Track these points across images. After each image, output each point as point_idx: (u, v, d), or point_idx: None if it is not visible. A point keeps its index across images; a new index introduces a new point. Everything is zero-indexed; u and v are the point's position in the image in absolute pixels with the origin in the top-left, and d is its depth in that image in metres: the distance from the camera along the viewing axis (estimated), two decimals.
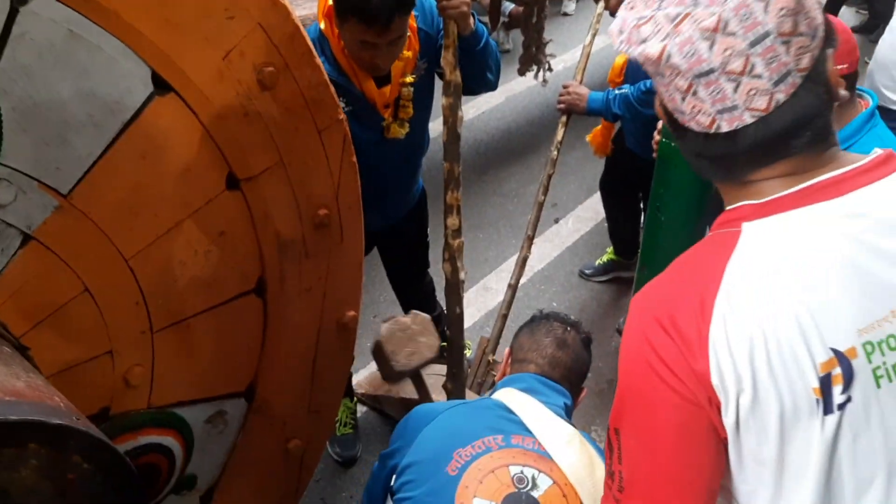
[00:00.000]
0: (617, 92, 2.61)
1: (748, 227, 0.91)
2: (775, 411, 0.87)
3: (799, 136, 0.88)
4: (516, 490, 1.42)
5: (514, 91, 5.32)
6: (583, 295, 3.54)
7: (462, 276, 2.20)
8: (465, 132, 4.84)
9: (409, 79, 2.08)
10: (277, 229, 1.59)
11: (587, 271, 3.62)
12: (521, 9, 3.77)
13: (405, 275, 2.82)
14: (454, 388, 2.35)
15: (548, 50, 4.17)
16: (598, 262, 3.64)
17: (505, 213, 4.08)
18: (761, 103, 0.85)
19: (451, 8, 1.92)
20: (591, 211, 4.13)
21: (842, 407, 0.88)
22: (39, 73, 1.15)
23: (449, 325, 2.28)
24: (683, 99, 0.88)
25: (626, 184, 3.22)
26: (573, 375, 1.68)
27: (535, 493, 1.42)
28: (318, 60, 1.51)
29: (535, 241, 2.76)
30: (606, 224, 3.58)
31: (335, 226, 1.70)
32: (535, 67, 4.12)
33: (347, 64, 2.00)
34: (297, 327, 1.74)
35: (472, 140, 4.63)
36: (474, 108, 5.06)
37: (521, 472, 1.44)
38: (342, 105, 1.74)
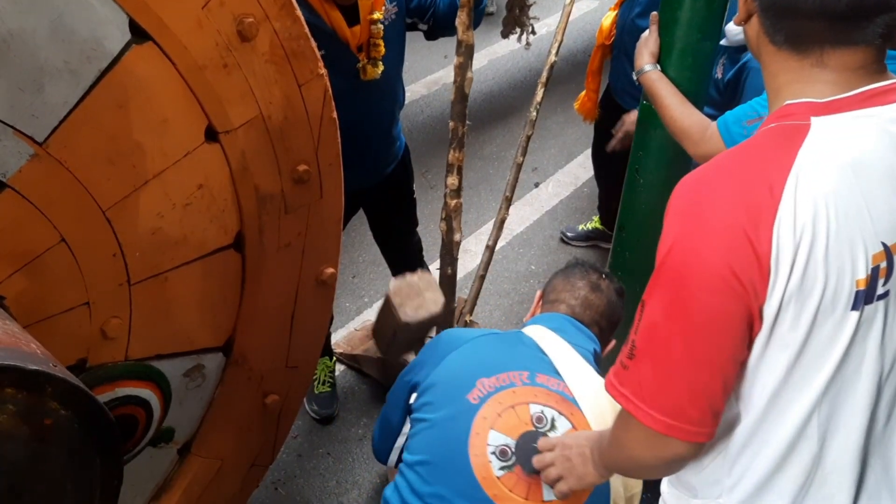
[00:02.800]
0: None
1: (817, 122, 0.94)
2: (817, 296, 0.93)
3: (875, 21, 0.91)
4: (534, 429, 1.41)
5: (496, 54, 5.28)
6: (561, 259, 3.57)
7: (457, 237, 2.21)
8: (446, 95, 4.83)
9: (378, 15, 2.08)
10: (256, 184, 1.59)
11: (569, 234, 3.65)
12: None
13: (393, 233, 2.82)
14: None
15: (531, 13, 4.15)
16: (581, 227, 3.66)
17: (485, 176, 4.08)
18: None
19: None
20: (570, 176, 4.15)
21: (881, 297, 0.95)
22: (13, 17, 1.12)
23: (440, 284, 2.29)
24: None
25: (617, 152, 3.22)
26: (604, 321, 1.65)
27: (553, 434, 1.42)
28: (299, 12, 1.49)
29: (515, 204, 2.78)
30: (592, 191, 3.59)
31: (315, 182, 1.70)
32: (518, 30, 4.10)
33: (319, 3, 2.01)
34: (275, 283, 1.74)
35: None
36: None
37: (542, 412, 1.43)
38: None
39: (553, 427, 1.43)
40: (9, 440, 1.01)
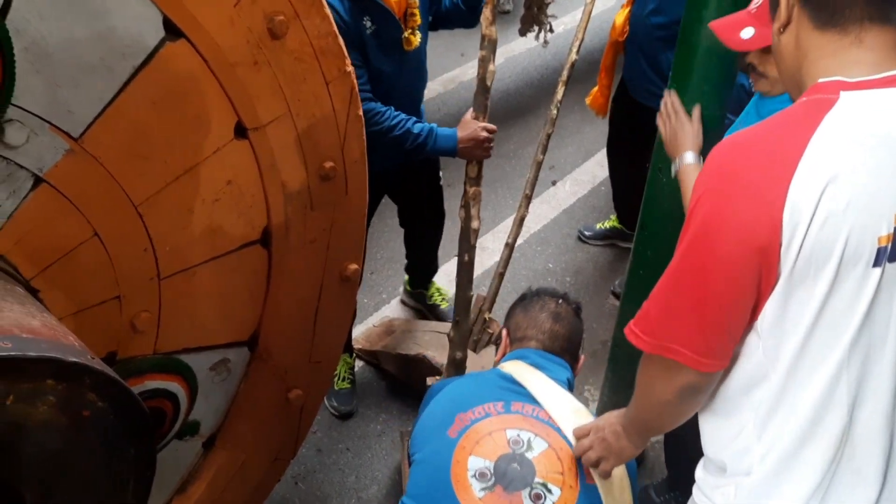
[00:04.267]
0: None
1: (846, 95, 0.99)
2: (839, 250, 0.97)
3: None
4: (511, 451, 1.48)
5: (513, 52, 5.28)
6: (579, 257, 3.57)
7: (475, 224, 2.23)
8: (463, 92, 4.84)
9: None
10: (284, 180, 1.60)
11: (587, 232, 3.65)
12: None
13: (418, 221, 2.84)
14: (457, 337, 2.38)
15: (549, 11, 4.15)
16: (599, 225, 3.66)
17: (503, 173, 4.09)
18: None
19: None
20: (588, 174, 4.15)
21: None
22: (53, 14, 1.14)
23: (457, 271, 2.31)
24: None
25: (632, 142, 3.20)
26: (571, 345, 1.75)
27: (529, 455, 1.48)
28: (328, 10, 1.50)
29: (533, 202, 2.78)
30: (610, 190, 3.59)
31: (340, 178, 1.71)
32: (535, 28, 4.10)
33: None
34: (300, 278, 1.76)
35: (470, 101, 4.61)
36: (473, 69, 5.02)
37: (518, 436, 1.50)
38: (366, 25, 2.09)
39: (529, 447, 1.50)
40: (48, 430, 1.03)
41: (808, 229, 0.96)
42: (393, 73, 2.26)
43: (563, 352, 1.72)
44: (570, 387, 1.68)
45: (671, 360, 1.11)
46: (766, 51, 1.56)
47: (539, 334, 1.72)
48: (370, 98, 2.18)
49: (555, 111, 2.59)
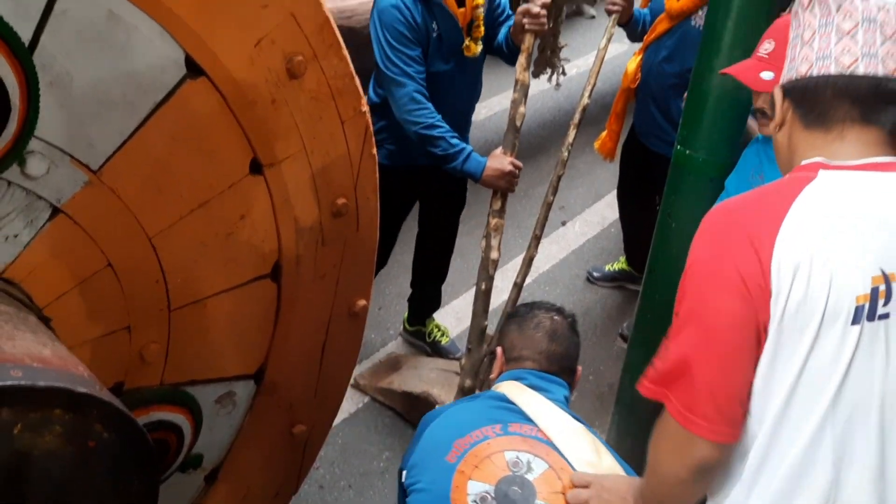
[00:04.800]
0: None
1: (824, 173, 1.10)
2: (819, 309, 1.03)
3: (889, 109, 1.09)
4: (511, 473, 1.45)
5: None
6: (587, 298, 3.57)
7: (494, 255, 2.27)
8: (476, 131, 4.88)
9: (480, 0, 2.42)
10: (296, 215, 1.62)
11: (595, 274, 3.65)
12: None
13: (436, 229, 2.95)
14: (469, 365, 2.40)
15: (563, 54, 4.22)
16: (608, 267, 3.66)
17: (513, 212, 4.08)
18: (892, 65, 1.07)
19: (532, 24, 2.30)
20: (598, 216, 4.16)
21: (882, 318, 1.04)
22: (78, 52, 1.17)
23: (474, 300, 2.41)
24: (839, 39, 1.08)
25: (642, 187, 3.23)
26: (568, 362, 1.72)
27: (530, 476, 1.46)
28: (345, 52, 1.54)
29: (542, 242, 2.79)
30: (619, 231, 3.60)
31: (352, 215, 1.73)
32: (549, 70, 4.17)
33: None
34: (309, 313, 1.77)
35: (483, 140, 4.66)
36: (486, 109, 5.09)
37: (517, 457, 1.48)
38: (433, 29, 2.31)
39: (529, 469, 1.48)
40: (55, 460, 1.03)
41: (791, 286, 1.03)
42: (450, 77, 2.44)
43: (561, 371, 1.70)
44: (567, 402, 1.67)
45: (684, 432, 1.11)
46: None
47: (535, 355, 1.69)
48: (424, 95, 2.31)
49: (566, 153, 2.61)
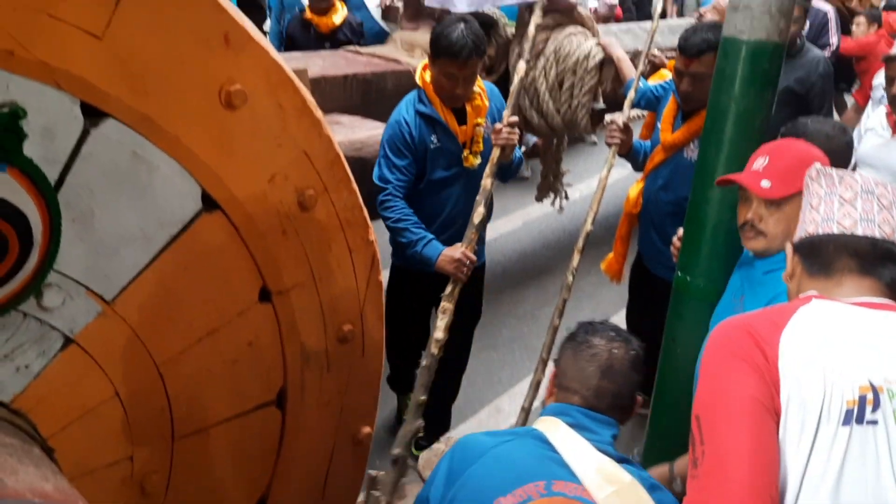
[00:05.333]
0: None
1: (817, 300, 1.25)
2: (816, 408, 1.13)
3: (886, 265, 1.25)
4: None
5: (530, 216, 5.48)
6: None
7: (439, 335, 2.47)
8: (497, 244, 4.93)
9: (481, 120, 2.72)
10: (303, 342, 1.64)
11: None
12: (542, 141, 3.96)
13: (446, 347, 2.88)
14: (402, 434, 2.43)
15: (565, 179, 4.36)
16: None
17: (520, 334, 4.11)
18: (888, 230, 1.25)
19: (501, 139, 2.57)
20: None
21: (871, 423, 1.13)
22: (101, 190, 1.24)
23: (418, 374, 2.49)
24: (841, 206, 1.27)
25: (650, 310, 3.23)
26: (621, 400, 1.58)
27: None
28: (354, 185, 1.61)
29: (549, 365, 2.78)
30: None
31: (358, 341, 1.75)
32: (551, 195, 4.30)
33: (440, 107, 2.65)
34: (312, 441, 1.75)
35: (489, 262, 4.72)
36: (492, 231, 5.18)
37: None
38: (433, 141, 2.63)
39: None
40: None
41: (792, 383, 1.15)
42: (451, 184, 2.74)
43: (611, 409, 1.56)
44: (614, 440, 1.55)
45: None
46: (774, 204, 1.65)
47: (584, 390, 1.56)
48: (398, 196, 2.63)
49: (570, 277, 2.66)
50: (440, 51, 2.54)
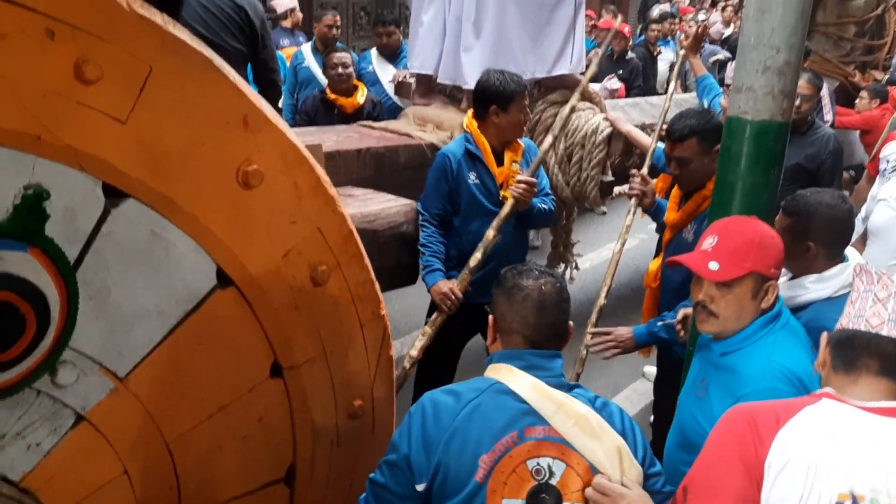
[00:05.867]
0: (660, 324, 2.69)
1: (827, 400, 1.32)
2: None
3: None
4: (536, 482, 1.55)
5: None
6: None
7: (414, 352, 2.52)
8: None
9: (518, 158, 2.93)
10: (313, 417, 1.63)
11: None
12: None
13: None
14: None
15: (575, 250, 4.38)
16: None
17: None
18: None
19: (516, 190, 2.74)
20: None
21: None
22: (118, 268, 1.26)
23: None
24: (873, 304, 1.33)
25: (672, 387, 3.19)
26: (558, 329, 1.70)
27: (553, 481, 1.55)
28: (367, 261, 1.63)
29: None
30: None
31: (368, 416, 1.74)
32: (562, 265, 4.31)
33: (483, 148, 2.88)
34: None
35: None
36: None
37: (538, 464, 1.56)
38: (471, 178, 2.86)
39: (551, 474, 1.56)
40: None
41: (775, 481, 1.23)
42: (488, 218, 2.87)
43: (550, 340, 1.69)
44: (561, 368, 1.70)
45: None
46: (724, 286, 1.64)
47: (525, 329, 1.67)
48: (433, 222, 2.89)
49: (584, 352, 2.64)
50: (513, 92, 2.83)
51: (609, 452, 1.57)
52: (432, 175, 2.93)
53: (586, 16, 7.72)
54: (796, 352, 1.67)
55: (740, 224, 1.74)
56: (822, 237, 2.00)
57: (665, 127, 3.59)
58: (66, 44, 1.12)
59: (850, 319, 1.35)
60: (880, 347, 1.30)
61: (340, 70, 3.94)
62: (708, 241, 1.70)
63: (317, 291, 1.55)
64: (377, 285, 1.67)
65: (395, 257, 2.80)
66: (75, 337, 1.24)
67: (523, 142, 3.02)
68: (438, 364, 3.04)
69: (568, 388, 1.65)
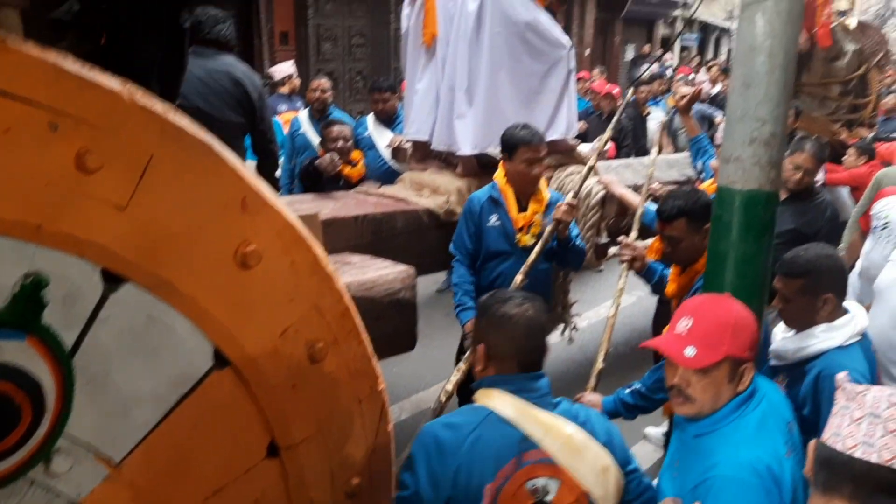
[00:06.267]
0: (627, 390, 2.69)
1: None
2: None
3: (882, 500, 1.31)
4: (534, 501, 1.70)
5: None
6: None
7: (449, 386, 2.58)
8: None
9: (541, 209, 3.25)
10: (311, 497, 1.60)
11: None
12: None
13: None
14: None
15: (573, 310, 4.38)
16: None
17: None
18: (887, 455, 1.27)
19: (559, 212, 3.05)
20: None
21: None
22: (115, 353, 1.26)
23: None
24: (849, 424, 1.32)
25: None
26: (544, 348, 1.84)
27: (549, 497, 1.71)
28: (365, 336, 1.63)
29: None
30: None
31: (366, 494, 1.71)
32: (561, 326, 4.30)
33: (506, 196, 3.23)
34: None
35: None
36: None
37: (535, 485, 1.71)
38: (491, 220, 3.22)
39: (547, 491, 1.71)
40: None
41: None
42: (503, 262, 3.22)
43: (537, 361, 1.82)
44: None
45: None
46: (701, 372, 1.64)
47: (519, 354, 1.79)
48: (463, 264, 3.26)
49: None
50: (518, 142, 3.12)
51: (595, 470, 1.73)
52: (462, 218, 3.32)
53: (580, 78, 7.92)
54: (767, 439, 1.65)
55: (715, 305, 1.74)
56: (835, 286, 2.12)
57: (651, 187, 3.67)
58: (68, 136, 1.14)
59: (832, 434, 1.35)
60: (854, 470, 1.29)
61: (341, 143, 3.97)
62: (682, 323, 1.69)
63: (314, 369, 1.54)
64: (375, 360, 1.67)
65: (393, 324, 2.80)
66: (70, 423, 1.23)
67: (551, 194, 3.32)
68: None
69: (553, 406, 1.80)
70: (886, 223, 3.60)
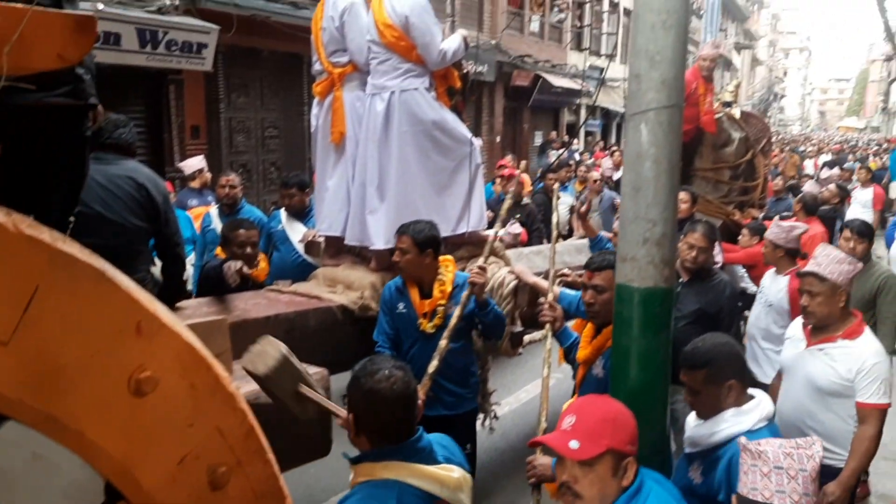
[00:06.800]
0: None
1: None
2: None
3: None
4: None
5: None
6: None
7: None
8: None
9: (445, 291, 3.34)
10: None
11: None
12: None
13: None
14: None
15: (493, 399, 4.39)
16: None
17: None
18: (796, 497, 1.50)
19: (473, 274, 3.18)
20: None
21: None
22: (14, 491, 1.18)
23: None
24: (762, 478, 1.53)
25: None
26: (415, 409, 1.93)
27: None
28: (270, 455, 1.57)
29: None
30: None
31: None
32: (481, 415, 4.29)
33: (409, 284, 3.35)
34: None
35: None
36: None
37: None
38: (399, 308, 3.36)
39: None
40: None
41: None
42: (415, 348, 3.35)
43: (413, 425, 1.90)
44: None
45: None
46: (586, 464, 1.70)
47: (396, 423, 1.86)
48: (385, 346, 3.36)
49: None
50: (431, 242, 3.28)
51: (469, 493, 1.94)
52: (381, 305, 3.45)
53: (500, 166, 8.19)
54: None
55: (595, 403, 1.85)
56: (737, 372, 2.22)
57: (563, 272, 3.79)
58: None
59: (750, 489, 1.54)
60: None
61: (248, 250, 3.87)
62: (567, 421, 1.78)
63: (216, 496, 1.47)
64: (282, 480, 1.61)
65: (306, 429, 2.72)
66: None
67: (457, 276, 3.42)
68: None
69: (435, 459, 1.91)
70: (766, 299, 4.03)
